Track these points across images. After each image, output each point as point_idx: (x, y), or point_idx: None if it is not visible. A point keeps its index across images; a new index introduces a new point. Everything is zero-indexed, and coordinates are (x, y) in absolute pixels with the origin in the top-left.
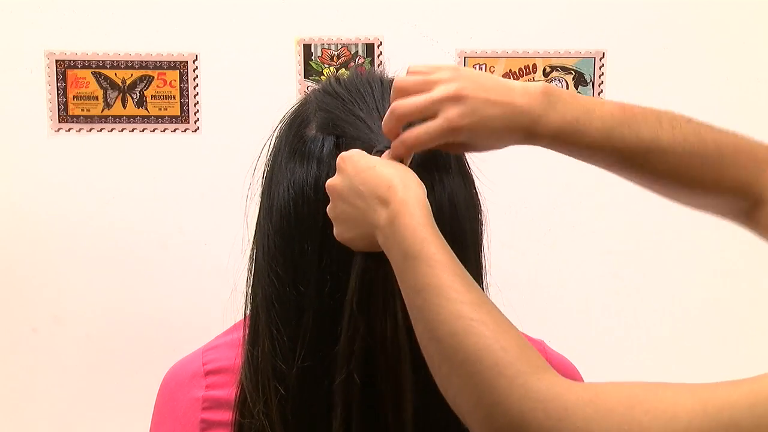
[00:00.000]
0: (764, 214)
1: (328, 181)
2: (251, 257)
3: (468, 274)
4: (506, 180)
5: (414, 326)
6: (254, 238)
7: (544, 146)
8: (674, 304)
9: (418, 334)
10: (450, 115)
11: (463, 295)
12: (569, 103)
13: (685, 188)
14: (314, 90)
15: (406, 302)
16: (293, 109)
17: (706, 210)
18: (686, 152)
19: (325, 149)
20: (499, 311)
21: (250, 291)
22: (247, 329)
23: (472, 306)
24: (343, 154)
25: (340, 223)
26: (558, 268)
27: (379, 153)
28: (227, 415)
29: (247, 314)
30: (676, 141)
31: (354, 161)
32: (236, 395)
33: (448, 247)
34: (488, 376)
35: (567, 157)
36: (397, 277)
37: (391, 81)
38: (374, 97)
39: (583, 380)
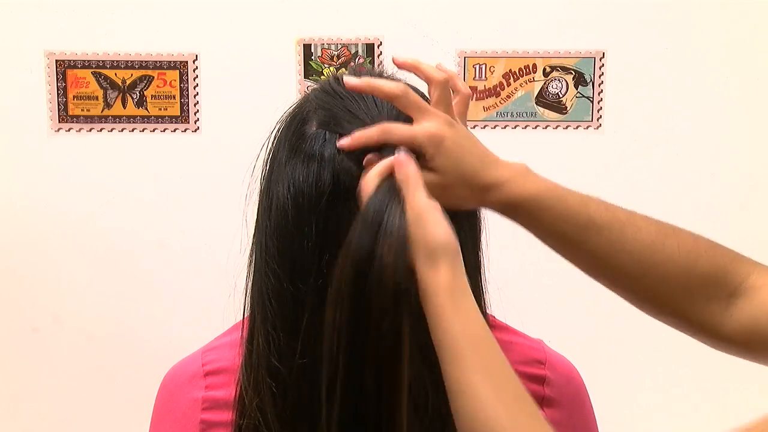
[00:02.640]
0: (739, 309)
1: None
2: (250, 256)
3: (505, 365)
4: None
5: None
6: (253, 237)
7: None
8: None
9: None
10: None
11: (494, 402)
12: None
13: (656, 267)
14: (314, 89)
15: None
16: (292, 108)
17: (668, 305)
18: (660, 232)
19: (326, 147)
20: (532, 412)
21: (248, 290)
22: (246, 329)
23: (507, 415)
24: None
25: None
26: (558, 268)
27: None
28: (227, 416)
29: (247, 314)
30: (651, 222)
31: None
32: (235, 394)
33: (485, 330)
34: None
35: (566, 157)
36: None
37: (390, 77)
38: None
39: (582, 380)
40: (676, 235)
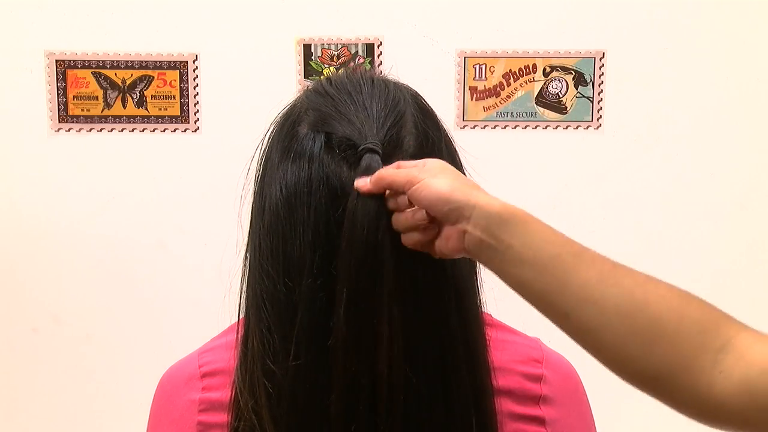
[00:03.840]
0: (729, 366)
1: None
2: (245, 258)
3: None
4: (506, 180)
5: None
6: (248, 238)
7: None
8: None
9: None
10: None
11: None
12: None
13: (649, 306)
14: (306, 90)
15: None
16: (285, 109)
17: (654, 355)
18: (650, 276)
19: (316, 147)
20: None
21: (243, 291)
22: (241, 330)
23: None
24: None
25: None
26: None
27: (364, 151)
28: (224, 417)
29: (242, 316)
30: (638, 271)
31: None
32: (230, 396)
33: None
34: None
35: (566, 157)
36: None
37: (382, 79)
38: (363, 96)
39: (580, 379)
40: (665, 282)
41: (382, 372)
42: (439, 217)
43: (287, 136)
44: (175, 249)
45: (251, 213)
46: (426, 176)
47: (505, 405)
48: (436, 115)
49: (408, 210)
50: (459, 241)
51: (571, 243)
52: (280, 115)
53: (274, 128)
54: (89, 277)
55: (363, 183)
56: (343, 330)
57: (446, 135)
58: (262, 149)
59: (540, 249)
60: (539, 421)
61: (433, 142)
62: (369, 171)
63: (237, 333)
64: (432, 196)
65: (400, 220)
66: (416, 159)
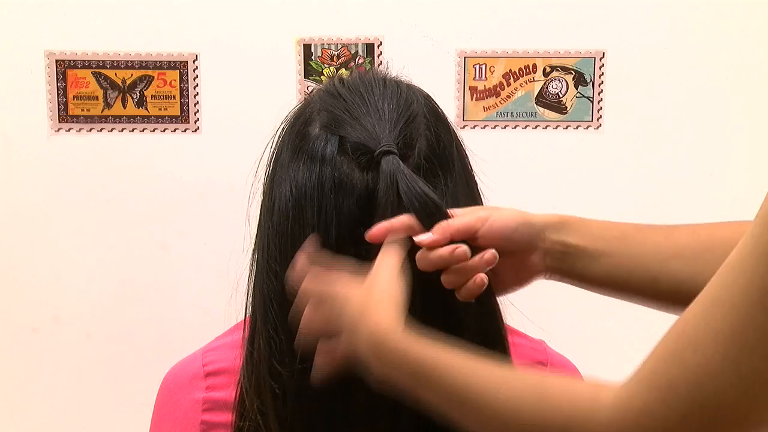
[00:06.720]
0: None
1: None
2: (252, 257)
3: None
4: (506, 180)
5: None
6: (256, 237)
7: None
8: None
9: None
10: None
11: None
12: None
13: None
14: (318, 90)
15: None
16: (296, 109)
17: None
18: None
19: (328, 149)
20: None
21: (250, 291)
22: (247, 329)
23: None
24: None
25: None
26: None
27: (381, 155)
28: (227, 417)
29: (248, 315)
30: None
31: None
32: (235, 396)
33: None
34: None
35: (566, 157)
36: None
37: (394, 80)
38: (375, 98)
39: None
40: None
41: None
42: (515, 246)
43: (298, 136)
44: (175, 249)
45: (260, 212)
46: (491, 212)
47: None
48: (446, 118)
49: (449, 247)
50: (540, 262)
51: (621, 224)
52: (291, 114)
53: (284, 127)
54: (89, 277)
55: (426, 237)
56: None
57: (457, 138)
58: (272, 148)
59: (603, 236)
60: None
61: (445, 144)
62: (392, 177)
63: (243, 332)
64: (511, 223)
65: (443, 257)
66: (428, 161)
